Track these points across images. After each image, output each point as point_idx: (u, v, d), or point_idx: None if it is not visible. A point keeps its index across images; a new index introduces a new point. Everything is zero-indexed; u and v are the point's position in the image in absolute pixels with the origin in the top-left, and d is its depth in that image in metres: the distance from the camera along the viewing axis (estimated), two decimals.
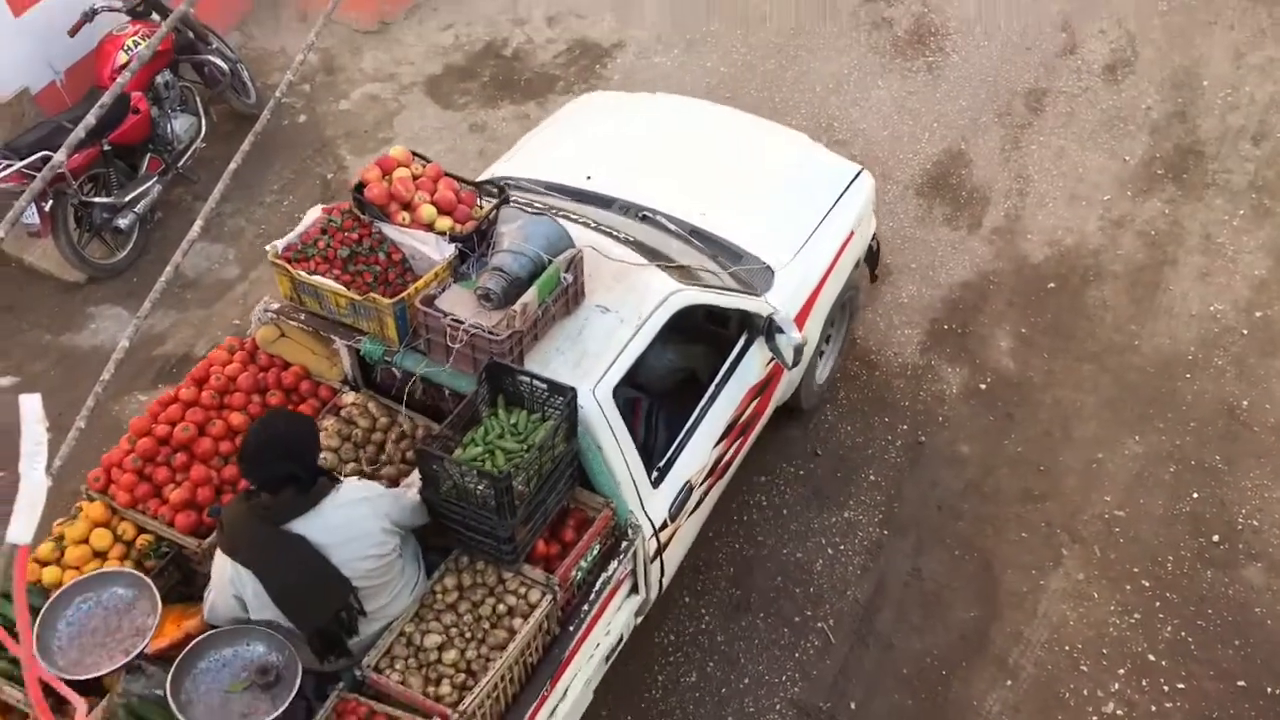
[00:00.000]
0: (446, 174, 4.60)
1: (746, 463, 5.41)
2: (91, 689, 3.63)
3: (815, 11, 8.13)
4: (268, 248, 4.37)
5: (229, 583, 3.69)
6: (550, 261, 4.16)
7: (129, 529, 4.15)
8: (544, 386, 3.98)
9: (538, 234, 4.23)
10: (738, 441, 5.06)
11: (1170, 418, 5.87)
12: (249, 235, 7.02)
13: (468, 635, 3.87)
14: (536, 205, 4.76)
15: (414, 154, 4.61)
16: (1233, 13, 7.96)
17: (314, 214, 4.48)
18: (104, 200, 6.55)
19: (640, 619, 4.75)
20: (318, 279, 4.20)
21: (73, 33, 6.75)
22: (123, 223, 6.63)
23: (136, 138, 6.72)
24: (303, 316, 4.44)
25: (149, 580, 3.81)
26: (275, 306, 4.55)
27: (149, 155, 6.86)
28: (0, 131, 6.66)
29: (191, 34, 7.04)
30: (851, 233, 5.47)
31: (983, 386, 6.08)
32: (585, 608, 4.15)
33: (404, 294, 4.13)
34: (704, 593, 5.37)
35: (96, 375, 6.56)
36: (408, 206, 4.45)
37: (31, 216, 6.20)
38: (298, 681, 3.60)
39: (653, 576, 4.59)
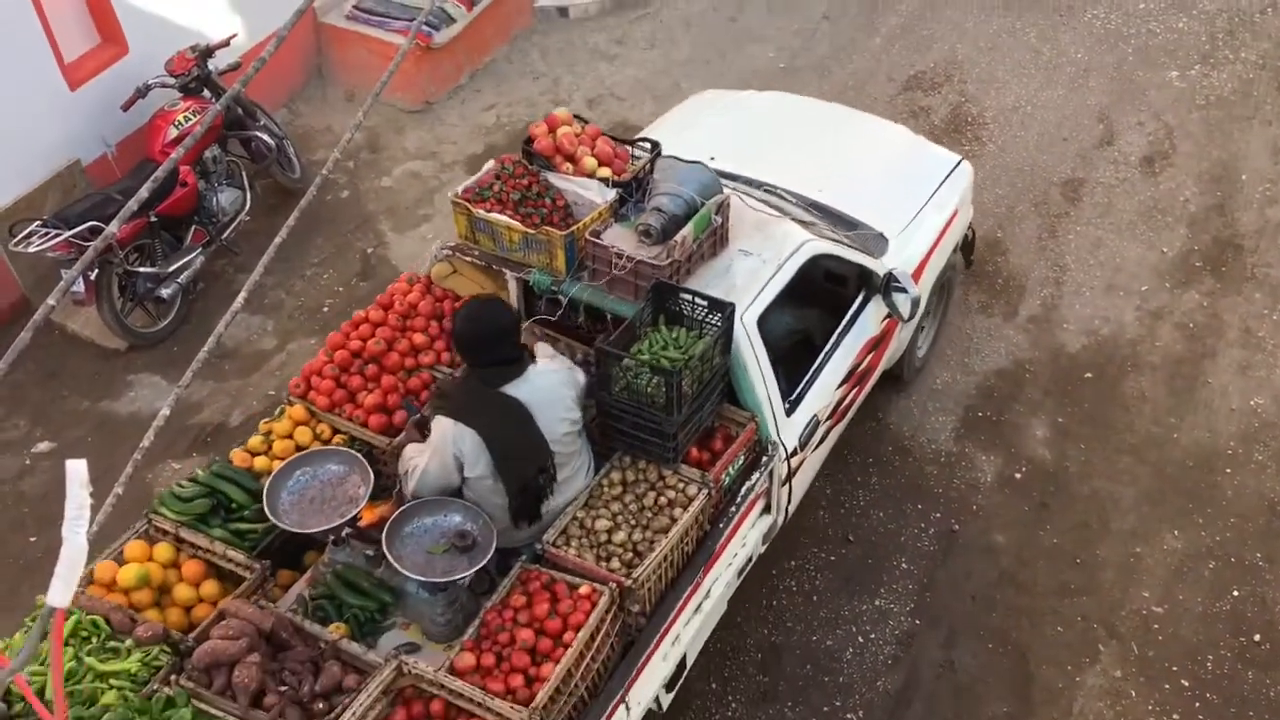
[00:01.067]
0: (603, 134, 5.18)
1: (775, 548, 5.36)
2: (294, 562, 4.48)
3: (853, 101, 8.22)
4: (450, 194, 4.92)
5: (450, 443, 4.19)
6: (703, 204, 4.72)
7: (325, 430, 4.71)
8: (704, 304, 4.51)
9: (692, 178, 4.80)
10: (855, 389, 5.55)
11: (1210, 513, 5.77)
12: (288, 307, 7.11)
13: (633, 521, 4.36)
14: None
15: (575, 116, 5.20)
16: (1271, 108, 7.98)
17: (489, 164, 5.08)
18: (149, 270, 6.67)
19: (765, 547, 5.11)
20: (494, 215, 4.78)
21: (126, 107, 6.94)
22: (165, 292, 6.74)
23: (183, 210, 6.86)
24: (475, 253, 4.99)
25: (360, 457, 4.39)
26: (449, 246, 5.11)
27: (194, 227, 7.00)
28: (51, 201, 6.82)
29: (240, 110, 7.22)
30: (955, 212, 6.02)
31: (1018, 476, 6.01)
32: (732, 509, 4.63)
33: (574, 227, 4.70)
34: (731, 679, 5.28)
35: (132, 442, 6.60)
36: (571, 158, 5.05)
37: (78, 285, 6.32)
38: (493, 546, 4.10)
39: (782, 500, 5.04)
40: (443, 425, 4.23)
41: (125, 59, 7.16)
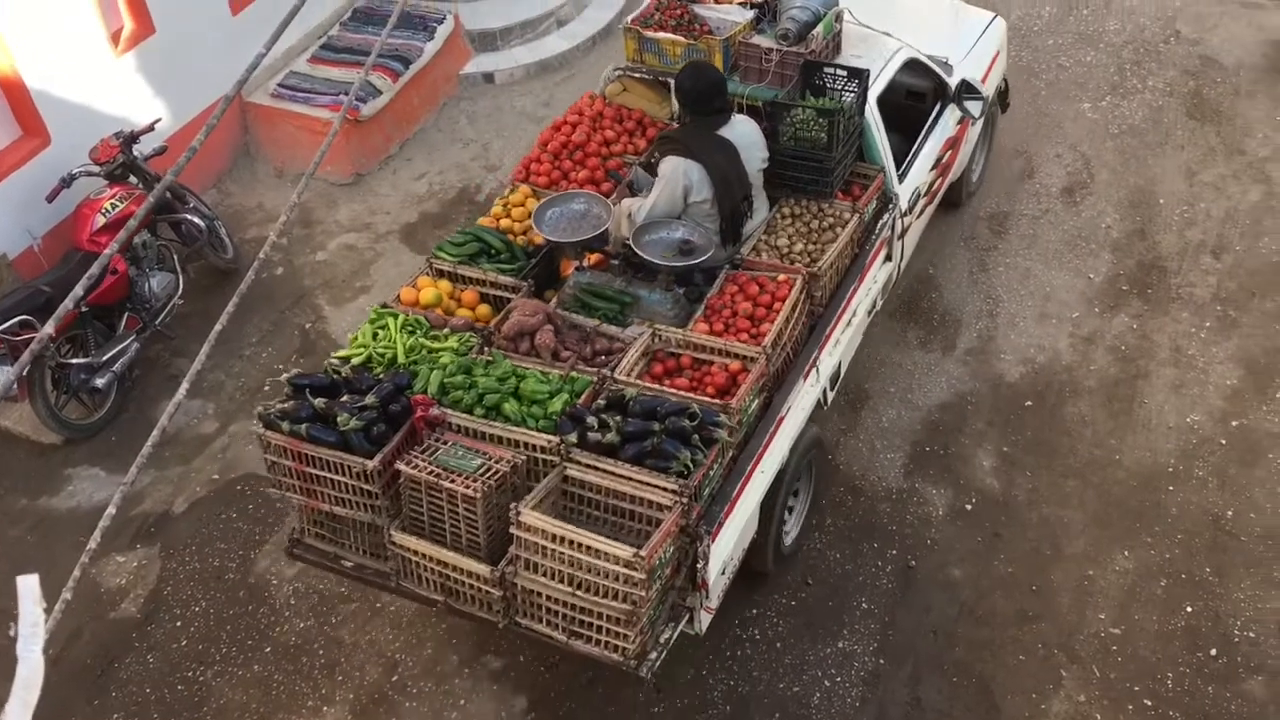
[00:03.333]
0: None
1: (736, 597, 5.35)
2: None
3: None
4: (622, 24, 6.51)
5: (681, 175, 5.45)
6: (826, 13, 6.16)
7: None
8: (844, 73, 5.91)
9: None
10: (940, 178, 6.94)
11: (1157, 531, 5.87)
12: (228, 389, 7.02)
13: (806, 239, 5.70)
14: None
15: None
16: (1181, 133, 8.25)
17: (644, 3, 6.65)
18: (82, 361, 6.55)
19: (884, 300, 6.56)
20: (661, 35, 6.33)
21: (51, 198, 6.85)
22: (100, 382, 6.61)
23: (114, 297, 6.77)
24: (644, 71, 6.50)
25: (599, 195, 5.75)
26: (620, 67, 6.60)
27: (127, 314, 6.90)
28: None
29: (169, 194, 7.16)
30: (997, 52, 7.45)
31: (969, 507, 6.08)
32: (871, 238, 5.97)
33: (730, 34, 6.22)
34: None
35: (73, 538, 6.48)
36: None
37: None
38: (710, 249, 5.39)
39: (897, 251, 6.39)
40: (674, 162, 5.51)
41: (48, 150, 7.09)
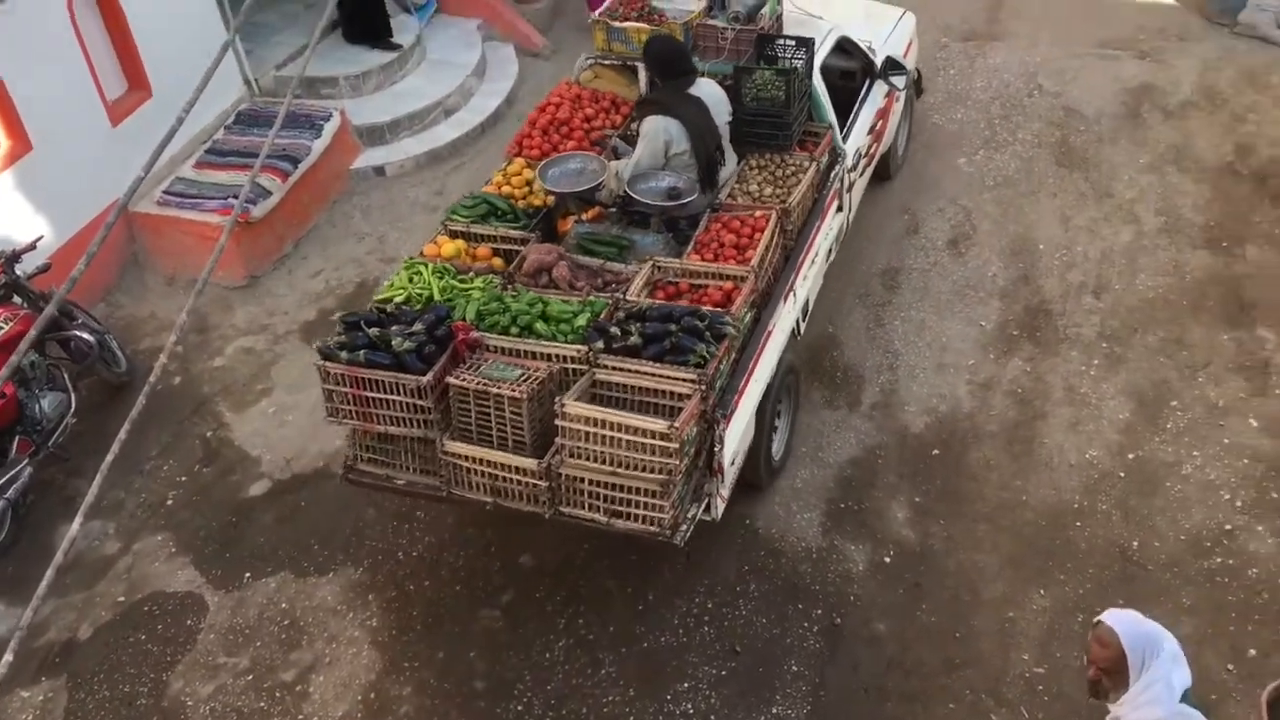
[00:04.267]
0: None
1: (666, 672, 5.30)
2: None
3: None
4: (590, 17, 7.65)
5: (661, 131, 6.31)
6: None
7: (535, 177, 6.65)
8: (792, 42, 6.90)
9: None
10: (875, 143, 7.90)
11: (1069, 568, 6.00)
12: (129, 506, 6.82)
13: (773, 184, 6.61)
14: None
15: None
16: (1053, 181, 8.61)
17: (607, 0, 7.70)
18: None
19: (834, 257, 7.40)
20: (626, 24, 7.30)
21: None
22: None
23: (3, 422, 6.55)
24: (613, 59, 7.47)
25: (593, 154, 6.72)
26: (591, 56, 7.58)
27: (18, 438, 6.66)
28: None
29: (56, 311, 6.97)
30: (910, 40, 8.60)
31: (887, 560, 6.15)
32: (827, 185, 6.93)
33: (688, 19, 7.21)
34: None
35: None
36: None
37: None
38: (695, 193, 6.30)
39: (846, 202, 7.38)
40: (653, 120, 6.36)
41: None
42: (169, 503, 6.83)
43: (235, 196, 8.06)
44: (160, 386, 7.53)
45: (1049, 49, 10.06)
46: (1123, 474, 6.45)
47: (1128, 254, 7.92)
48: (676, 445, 4.92)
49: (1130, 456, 6.54)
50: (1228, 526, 6.11)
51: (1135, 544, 6.07)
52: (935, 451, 6.72)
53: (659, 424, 4.92)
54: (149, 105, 8.38)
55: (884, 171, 8.50)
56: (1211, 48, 9.84)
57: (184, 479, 6.97)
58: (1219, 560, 5.96)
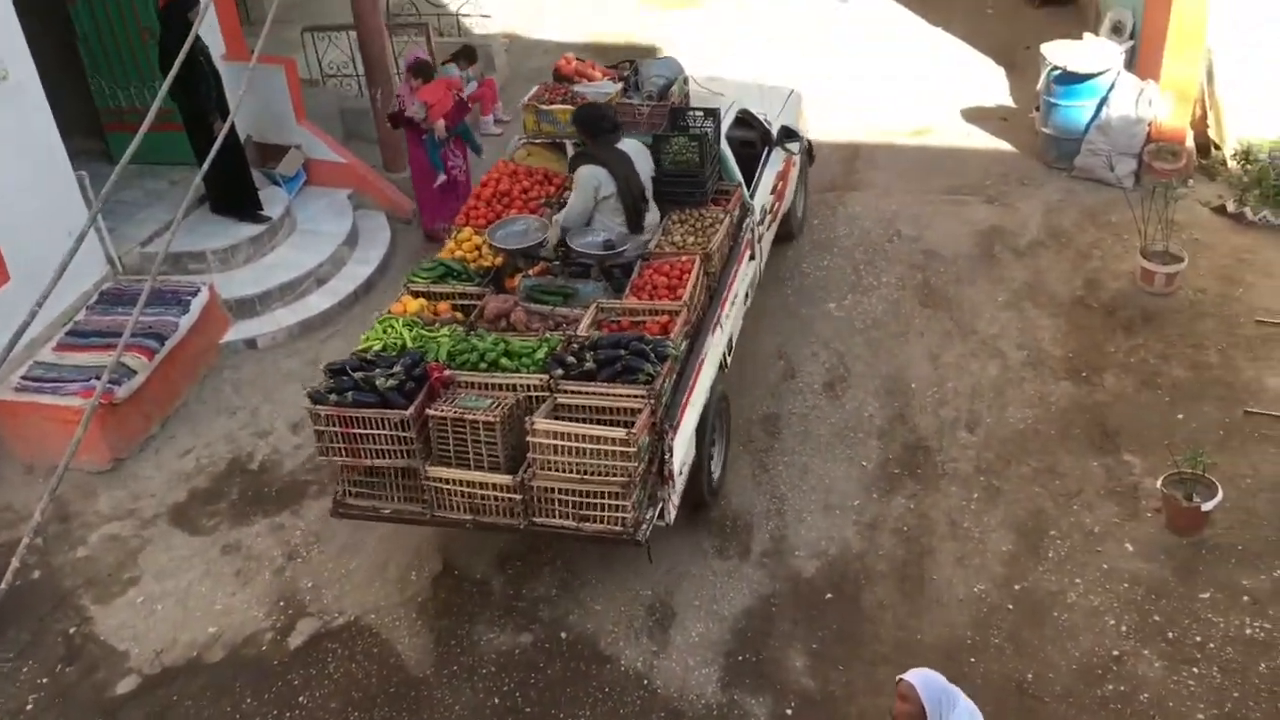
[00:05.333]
0: (595, 64, 9.25)
1: None
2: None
3: None
4: (520, 103, 8.78)
5: (591, 179, 7.28)
6: (676, 78, 8.65)
7: (483, 243, 7.66)
8: (701, 113, 7.96)
9: (668, 64, 8.96)
10: (777, 202, 8.92)
11: None
12: None
13: (694, 233, 7.48)
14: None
15: (579, 58, 9.25)
16: (919, 322, 8.92)
17: (535, 87, 8.83)
18: None
19: (749, 302, 8.28)
20: (554, 106, 8.32)
21: None
22: None
23: None
24: (542, 139, 8.47)
25: (541, 218, 7.63)
26: (523, 137, 8.58)
27: None
28: None
29: None
30: (800, 113, 9.88)
31: (789, 712, 6.04)
32: (740, 235, 7.89)
33: (609, 99, 8.16)
34: None
35: None
36: (585, 75, 8.94)
37: None
38: (626, 246, 7.26)
39: (758, 252, 8.39)
40: (585, 169, 7.33)
41: None
42: (29, 708, 6.37)
43: (98, 378, 7.80)
44: (19, 583, 7.10)
45: (903, 196, 10.55)
46: (1011, 606, 6.52)
47: (996, 388, 8.19)
48: (634, 449, 5.80)
49: (1016, 587, 6.63)
50: (1115, 652, 6.19)
51: (1030, 676, 6.10)
52: (829, 595, 6.71)
53: (618, 431, 5.81)
54: (7, 289, 8.14)
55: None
56: (1052, 190, 10.45)
57: (45, 680, 6.52)
58: (1111, 687, 6.01)
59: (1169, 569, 6.65)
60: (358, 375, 6.22)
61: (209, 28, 9.83)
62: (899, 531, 7.09)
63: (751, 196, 8.23)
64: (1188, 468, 6.81)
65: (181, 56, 4.04)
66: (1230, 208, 9.73)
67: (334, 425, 6.17)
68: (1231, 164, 10.10)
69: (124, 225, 9.55)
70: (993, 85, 12.38)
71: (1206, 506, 6.68)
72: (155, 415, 8.40)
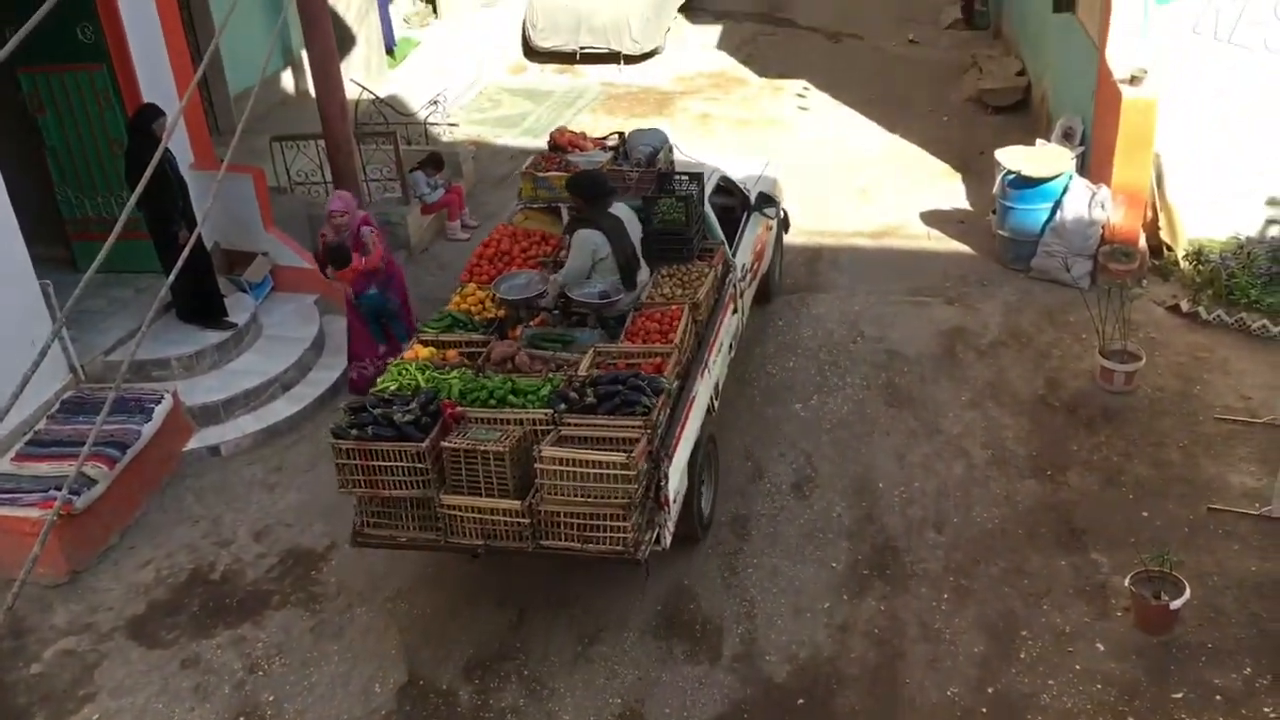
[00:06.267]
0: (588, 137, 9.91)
1: None
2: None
3: None
4: (519, 170, 9.62)
5: (589, 242, 7.85)
6: (662, 147, 9.22)
7: (486, 296, 8.27)
8: (686, 177, 8.57)
9: (655, 134, 9.50)
10: (756, 262, 9.70)
11: None
12: None
13: (681, 286, 8.12)
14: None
15: (570, 131, 10.03)
16: (885, 421, 8.98)
17: (532, 157, 9.60)
18: None
19: (733, 353, 8.90)
20: (550, 173, 8.98)
21: None
22: None
23: None
24: (539, 203, 9.10)
25: (541, 272, 8.16)
26: (521, 202, 9.23)
27: None
28: None
29: None
30: (775, 181, 10.60)
31: None
32: (724, 289, 8.56)
33: (600, 166, 8.85)
34: None
35: None
36: (576, 145, 9.57)
37: None
38: (620, 296, 7.83)
39: (741, 305, 9.06)
40: (583, 233, 7.89)
41: None
42: None
43: (58, 488, 7.68)
44: None
45: (866, 297, 10.71)
46: (985, 709, 6.45)
47: (962, 487, 8.22)
48: (634, 473, 6.32)
49: (990, 690, 6.57)
50: None
51: None
52: (801, 701, 6.62)
53: (619, 455, 6.32)
54: None
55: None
56: (1011, 291, 10.65)
57: None
58: None
59: (1141, 669, 6.63)
60: (376, 411, 6.74)
61: (178, 137, 9.94)
62: (870, 634, 7.04)
63: (733, 255, 8.88)
64: (1155, 566, 6.84)
65: (150, 169, 4.08)
66: (1185, 307, 9.95)
67: (354, 458, 6.68)
68: (1184, 265, 10.35)
69: (88, 333, 9.50)
70: (950, 189, 12.69)
71: (1175, 605, 6.69)
72: (115, 525, 8.26)
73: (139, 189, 4.02)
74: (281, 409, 9.50)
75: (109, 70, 9.64)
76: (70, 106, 9.81)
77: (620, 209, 8.09)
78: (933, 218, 12.07)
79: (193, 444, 9.10)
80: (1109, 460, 8.33)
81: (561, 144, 9.64)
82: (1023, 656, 6.78)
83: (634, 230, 8.11)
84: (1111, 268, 10.25)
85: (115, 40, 9.53)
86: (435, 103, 14.75)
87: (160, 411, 8.71)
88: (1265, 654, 6.66)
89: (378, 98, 13.65)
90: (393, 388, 7.17)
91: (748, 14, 19.08)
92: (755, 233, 9.59)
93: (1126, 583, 6.91)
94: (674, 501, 6.88)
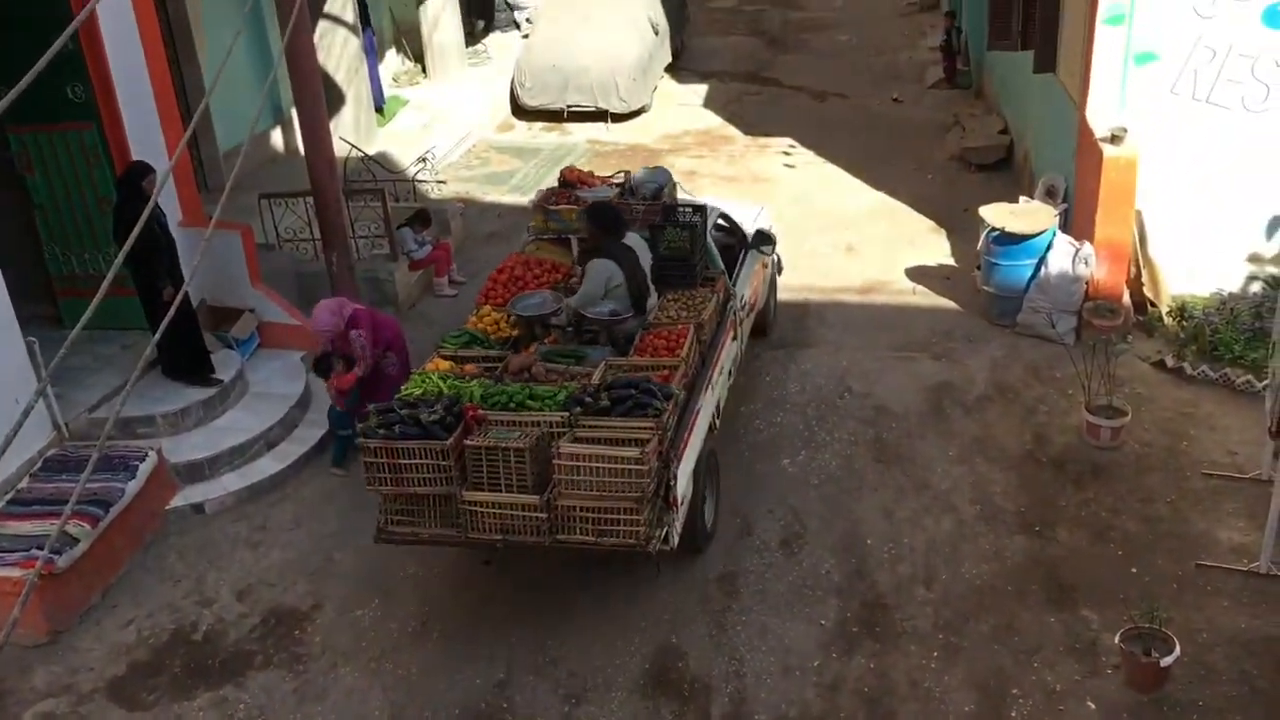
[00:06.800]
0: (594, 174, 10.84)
1: None
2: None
3: None
4: (529, 198, 11.44)
5: (604, 270, 8.37)
6: (665, 183, 9.95)
7: (501, 318, 8.74)
8: (690, 209, 9.24)
9: (660, 173, 10.21)
10: (753, 300, 10.08)
11: None
12: None
13: (687, 309, 8.66)
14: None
15: (579, 169, 11.00)
16: (873, 476, 8.97)
17: (542, 188, 10.80)
18: None
19: (733, 379, 9.33)
20: (561, 207, 9.73)
21: None
22: None
23: None
24: (550, 234, 9.76)
25: (557, 292, 8.77)
26: (533, 234, 9.86)
27: None
28: None
29: None
30: (770, 223, 11.10)
31: None
32: (725, 316, 9.00)
33: (606, 200, 9.56)
34: None
35: None
36: (585, 182, 10.33)
37: None
38: (629, 314, 8.43)
39: (740, 333, 9.53)
40: (598, 262, 8.41)
41: None
42: None
43: (39, 547, 7.60)
44: None
45: (853, 353, 10.74)
46: None
47: (950, 543, 8.19)
48: (647, 467, 6.72)
49: None
50: None
51: None
52: None
53: (633, 450, 6.73)
54: None
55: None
56: (997, 346, 10.70)
57: None
58: None
59: None
60: (403, 413, 7.11)
61: (166, 193, 9.96)
62: (859, 693, 6.97)
63: (734, 282, 9.46)
64: (1144, 622, 6.81)
65: (138, 228, 4.09)
66: (1169, 363, 10.00)
67: (382, 457, 7.02)
68: (1168, 320, 10.43)
69: (72, 390, 9.46)
70: (935, 245, 12.79)
71: (1165, 662, 6.65)
72: (97, 584, 8.16)
73: (127, 245, 4.03)
74: (266, 466, 9.44)
75: (98, 129, 9.68)
76: (59, 165, 9.84)
77: (633, 239, 8.66)
78: (918, 274, 12.15)
79: (177, 501, 9.02)
80: (1097, 516, 8.33)
81: (571, 180, 10.34)
82: (1013, 715, 6.72)
83: (645, 259, 8.65)
84: (1096, 323, 10.32)
85: (105, 99, 9.58)
86: (424, 160, 14.86)
87: (144, 469, 8.65)
88: (1255, 712, 6.61)
89: (366, 155, 13.74)
90: (417, 393, 7.53)
91: (733, 74, 19.36)
92: (753, 268, 10.08)
93: (1116, 640, 6.87)
94: (681, 503, 7.28)
